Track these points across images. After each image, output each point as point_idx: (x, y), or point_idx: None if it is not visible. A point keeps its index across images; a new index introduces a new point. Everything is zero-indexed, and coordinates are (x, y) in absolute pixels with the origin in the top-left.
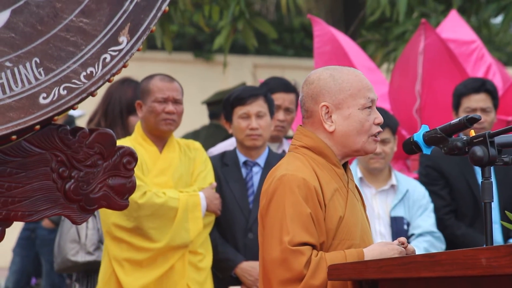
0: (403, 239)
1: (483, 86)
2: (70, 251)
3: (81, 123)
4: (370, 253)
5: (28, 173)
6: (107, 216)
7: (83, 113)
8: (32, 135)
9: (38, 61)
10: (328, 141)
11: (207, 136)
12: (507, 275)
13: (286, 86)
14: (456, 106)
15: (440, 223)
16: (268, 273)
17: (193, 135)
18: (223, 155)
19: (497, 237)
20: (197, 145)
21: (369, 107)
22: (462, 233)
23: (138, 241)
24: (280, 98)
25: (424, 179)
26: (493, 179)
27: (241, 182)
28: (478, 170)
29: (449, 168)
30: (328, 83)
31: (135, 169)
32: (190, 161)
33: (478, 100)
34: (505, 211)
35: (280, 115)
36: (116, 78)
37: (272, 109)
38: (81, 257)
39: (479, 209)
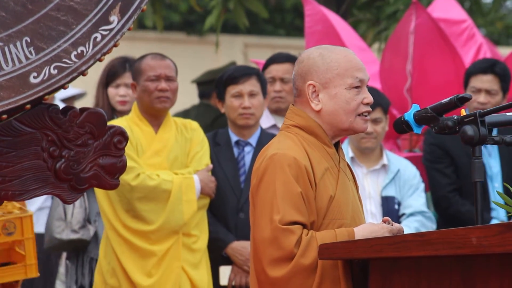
0: (387, 218)
1: (491, 67)
2: (56, 229)
3: (83, 102)
4: (360, 232)
5: (19, 152)
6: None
7: (83, 92)
8: (22, 114)
9: (28, 40)
10: (317, 120)
11: (197, 116)
12: (498, 254)
13: (278, 57)
14: (465, 85)
15: (445, 201)
16: (258, 252)
17: (183, 115)
18: (215, 134)
19: (501, 216)
20: (194, 125)
21: (357, 87)
22: (467, 209)
23: (132, 223)
24: (273, 70)
25: (428, 157)
26: (497, 158)
27: (233, 162)
28: (483, 149)
29: (453, 147)
30: (317, 62)
31: (129, 150)
32: (187, 141)
33: (484, 81)
34: (504, 183)
35: (277, 86)
36: (107, 57)
37: (265, 88)
38: (66, 235)
39: (484, 188)
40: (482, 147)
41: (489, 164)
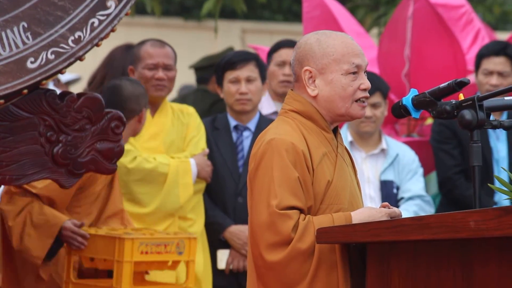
0: (386, 203)
1: (503, 49)
2: None
3: (78, 87)
4: (358, 216)
5: (16, 137)
6: None
7: (77, 77)
8: (20, 99)
9: (25, 25)
10: (314, 105)
11: (194, 101)
12: (496, 238)
13: (292, 42)
14: (477, 67)
15: (450, 182)
16: (255, 236)
17: (180, 100)
18: (214, 119)
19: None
20: (190, 110)
21: (354, 73)
22: (471, 193)
23: (128, 206)
24: (284, 54)
25: (436, 137)
26: (504, 142)
27: (232, 146)
28: (491, 132)
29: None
30: (313, 47)
31: None
32: (183, 126)
33: (497, 63)
34: (502, 167)
35: (287, 69)
36: (119, 42)
37: (264, 73)
38: None
39: (489, 172)
40: (491, 131)
41: (497, 148)
